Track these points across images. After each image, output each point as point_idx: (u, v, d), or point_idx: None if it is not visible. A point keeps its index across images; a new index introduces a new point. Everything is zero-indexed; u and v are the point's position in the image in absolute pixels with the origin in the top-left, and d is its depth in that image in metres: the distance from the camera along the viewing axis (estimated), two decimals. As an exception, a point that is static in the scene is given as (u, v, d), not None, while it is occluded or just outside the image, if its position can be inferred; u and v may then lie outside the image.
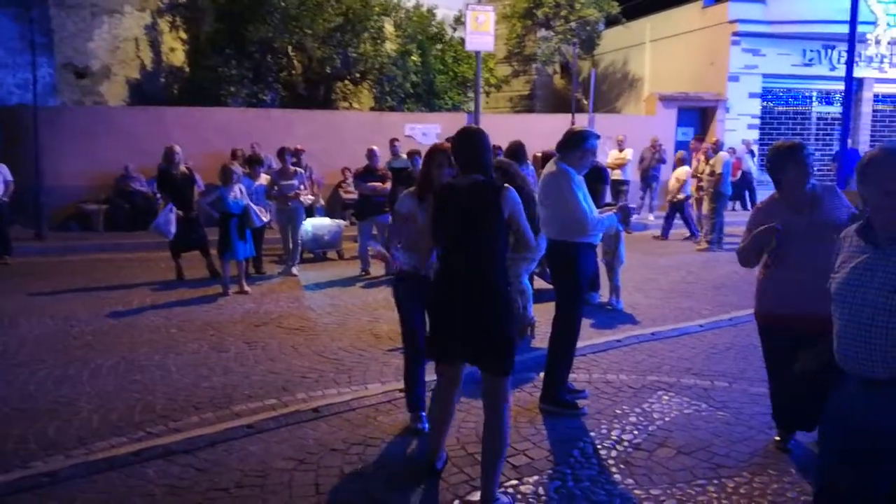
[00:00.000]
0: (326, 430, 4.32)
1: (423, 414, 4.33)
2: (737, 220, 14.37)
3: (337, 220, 11.23)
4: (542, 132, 13.86)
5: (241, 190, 8.37)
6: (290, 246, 9.58)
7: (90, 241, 12.13)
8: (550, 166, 4.56)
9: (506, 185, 3.50)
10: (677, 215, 12.59)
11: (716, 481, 3.65)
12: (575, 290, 4.47)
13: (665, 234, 12.76)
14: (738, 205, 16.30)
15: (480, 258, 3.37)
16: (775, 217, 3.71)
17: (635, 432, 4.25)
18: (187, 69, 17.40)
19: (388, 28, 16.75)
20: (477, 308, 3.34)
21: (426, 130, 15.41)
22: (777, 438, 4.06)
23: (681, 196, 12.31)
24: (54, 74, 14.73)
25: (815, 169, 18.45)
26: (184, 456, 3.97)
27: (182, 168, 9.16)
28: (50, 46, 14.46)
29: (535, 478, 3.71)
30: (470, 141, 3.54)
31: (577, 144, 4.50)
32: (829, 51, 17.80)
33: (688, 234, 12.58)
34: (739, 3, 17.15)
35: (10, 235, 10.66)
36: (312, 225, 10.50)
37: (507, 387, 3.41)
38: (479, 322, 3.34)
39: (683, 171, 12.36)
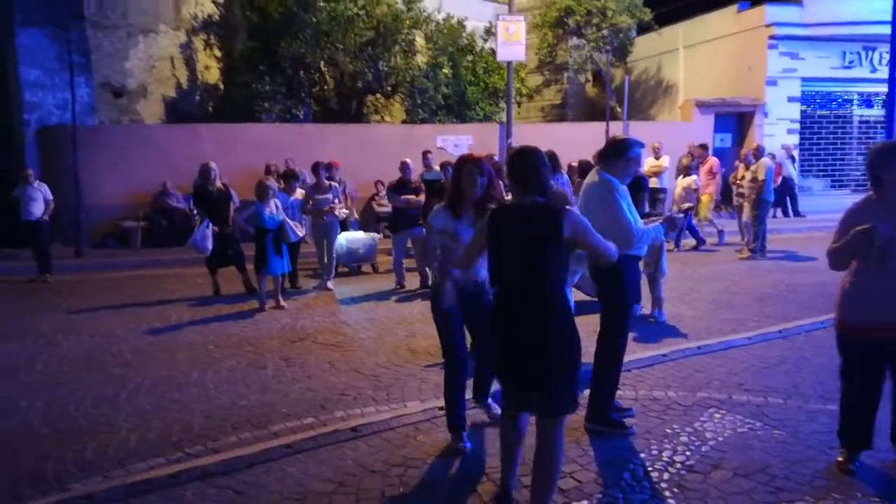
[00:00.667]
0: (366, 451, 4.21)
1: (465, 434, 4.20)
2: (778, 227, 14.06)
3: (371, 234, 11.18)
4: (574, 141, 13.73)
5: (276, 205, 8.35)
6: (325, 260, 9.55)
7: (128, 259, 12.27)
8: (592, 176, 4.42)
9: (566, 206, 3.37)
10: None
11: (777, 506, 3.46)
12: (622, 304, 4.30)
13: (677, 245, 12.46)
14: (779, 212, 15.91)
15: (545, 284, 3.22)
16: (872, 219, 3.50)
17: (688, 453, 4.06)
18: (221, 86, 17.59)
19: (419, 41, 16.75)
20: (541, 338, 3.20)
21: (458, 142, 15.35)
22: (840, 459, 3.85)
23: (686, 205, 11.97)
24: (92, 94, 14.96)
25: (860, 173, 18.14)
26: (222, 478, 3.89)
27: (218, 184, 9.20)
28: (87, 66, 14.69)
29: (585, 502, 3.55)
30: (527, 160, 3.37)
31: (620, 153, 4.34)
32: (870, 52, 17.36)
33: (695, 242, 12.32)
34: (776, 5, 16.84)
35: (50, 253, 10.82)
36: (347, 239, 10.46)
37: (563, 426, 3.28)
38: (543, 354, 3.20)
39: (690, 180, 12.06)
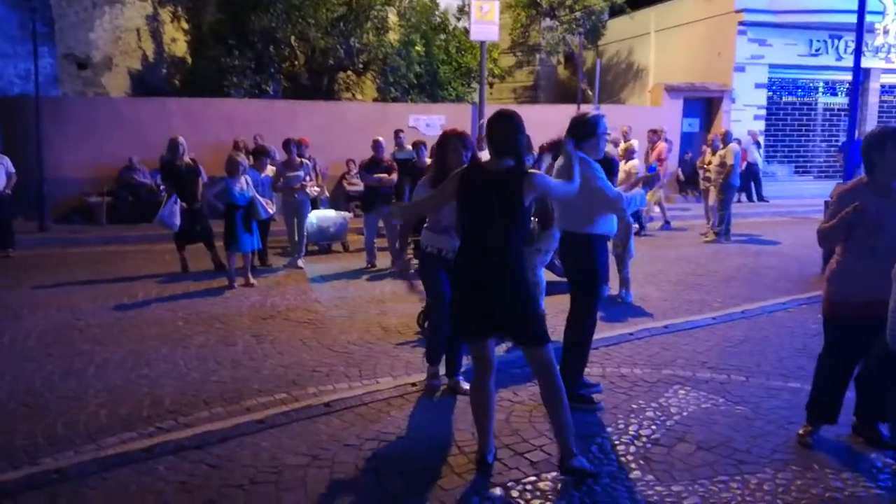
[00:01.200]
0: (339, 426, 4.25)
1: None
2: (742, 211, 14.34)
3: (342, 213, 11.14)
4: (546, 123, 13.73)
5: (247, 181, 8.28)
6: (296, 238, 9.50)
7: (93, 234, 12.04)
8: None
9: (532, 170, 3.47)
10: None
11: (738, 477, 3.58)
12: (592, 284, 4.38)
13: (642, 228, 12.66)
14: (743, 196, 16.19)
15: (502, 240, 3.43)
16: (863, 201, 3.59)
17: (653, 427, 4.18)
18: (189, 60, 17.28)
19: (392, 18, 16.61)
20: (500, 286, 3.41)
21: (430, 121, 15.31)
22: (801, 433, 4.00)
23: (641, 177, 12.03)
24: (56, 65, 14.61)
25: (822, 160, 18.52)
26: (195, 452, 3.90)
27: (186, 159, 9.06)
28: (51, 36, 14.33)
29: (554, 474, 3.64)
30: (507, 123, 3.52)
31: (592, 131, 4.40)
32: (836, 41, 17.66)
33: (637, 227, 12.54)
34: (746, -8, 17.01)
35: (13, 228, 10.58)
36: (317, 217, 10.41)
37: (551, 354, 3.52)
38: (504, 298, 3.41)
39: (633, 164, 12.17)
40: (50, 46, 14.29)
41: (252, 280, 8.29)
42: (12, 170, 10.37)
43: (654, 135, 13.62)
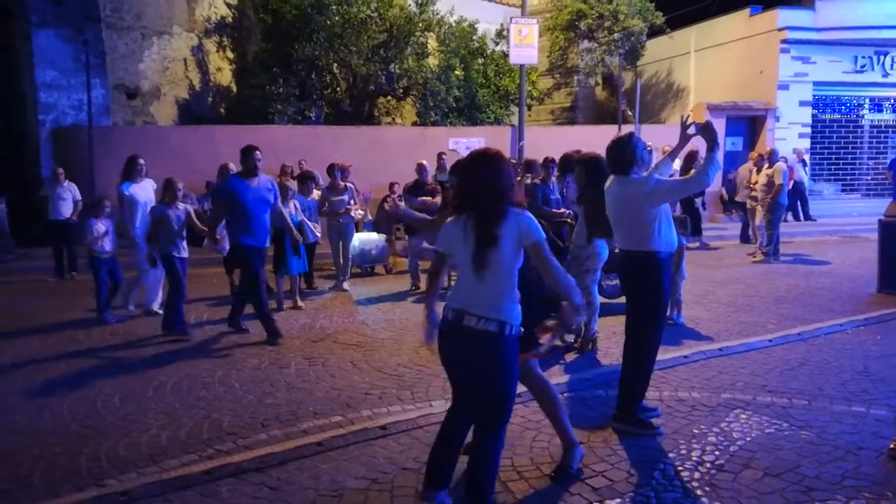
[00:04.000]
0: (396, 449, 4.24)
1: None
2: (790, 231, 14.06)
3: (383, 235, 11.22)
4: (585, 144, 13.67)
5: (295, 206, 8.40)
6: (341, 261, 9.58)
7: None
8: (619, 187, 4.41)
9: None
10: None
11: (810, 505, 3.48)
12: (657, 304, 4.31)
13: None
14: (790, 216, 15.91)
15: None
16: None
17: (716, 453, 4.08)
18: (234, 88, 17.69)
19: (431, 43, 16.82)
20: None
21: (470, 144, 15.36)
22: (892, 446, 3.96)
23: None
24: (107, 95, 15.05)
25: (870, 178, 18.12)
26: (256, 475, 3.93)
27: (235, 185, 9.22)
28: (102, 68, 14.79)
29: (617, 500, 3.57)
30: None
31: (631, 159, 4.35)
32: (882, 57, 17.39)
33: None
34: (788, 10, 16.87)
35: (76, 253, 10.87)
36: (360, 240, 10.51)
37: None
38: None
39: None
40: (101, 77, 14.74)
41: (300, 303, 8.37)
42: (79, 197, 10.74)
43: (769, 155, 13.36)
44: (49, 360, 6.35)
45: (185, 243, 7.37)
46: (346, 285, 9.51)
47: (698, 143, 4.98)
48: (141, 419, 4.88)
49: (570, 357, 6.13)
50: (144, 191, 8.26)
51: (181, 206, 7.36)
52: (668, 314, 7.29)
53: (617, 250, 4.74)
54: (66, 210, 10.57)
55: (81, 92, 13.79)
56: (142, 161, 8.31)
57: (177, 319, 7.09)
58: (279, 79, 15.06)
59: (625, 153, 4.35)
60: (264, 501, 3.64)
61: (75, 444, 4.47)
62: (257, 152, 7.02)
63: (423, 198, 9.45)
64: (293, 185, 8.76)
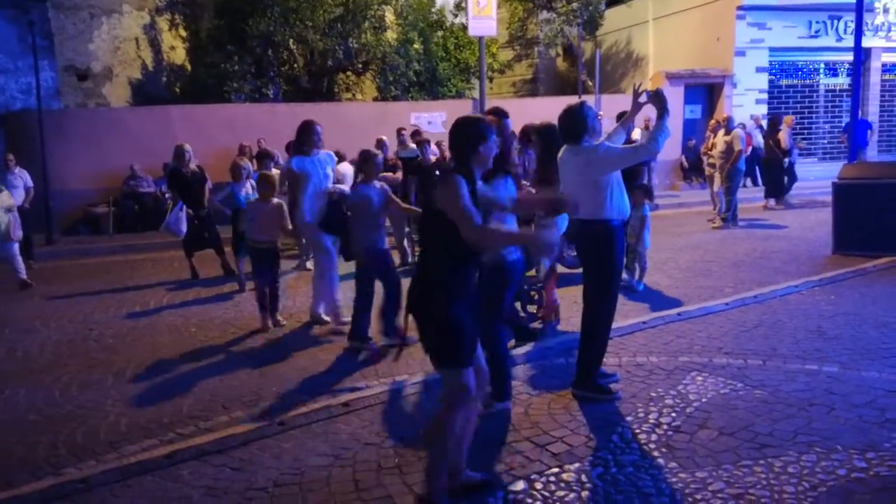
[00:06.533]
0: (359, 425, 4.25)
1: None
2: (748, 196, 14.28)
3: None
4: (547, 115, 13.74)
5: (252, 185, 8.28)
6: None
7: (100, 244, 12.09)
8: (571, 155, 4.43)
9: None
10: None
11: (762, 461, 3.57)
12: (611, 271, 4.35)
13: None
14: (748, 181, 16.15)
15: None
16: None
17: (673, 415, 4.17)
18: (188, 67, 17.31)
19: (389, 16, 16.62)
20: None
21: (432, 119, 15.30)
22: None
23: None
24: (56, 78, 14.63)
25: (826, 142, 18.41)
26: (217, 456, 3.91)
27: (192, 166, 9.07)
28: (50, 49, 14.35)
29: (577, 465, 3.63)
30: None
31: (583, 127, 4.37)
32: (836, 21, 17.60)
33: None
34: (744, -24, 16.96)
35: (32, 241, 10.60)
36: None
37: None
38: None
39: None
40: (50, 59, 14.31)
41: (262, 284, 8.27)
42: (31, 184, 10.46)
43: (725, 121, 13.39)
44: (2, 351, 6.22)
45: None
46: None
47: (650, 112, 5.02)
48: (100, 406, 4.82)
49: (535, 325, 6.18)
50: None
51: None
52: (630, 281, 7.44)
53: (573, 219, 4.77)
54: (19, 198, 10.27)
55: (29, 75, 13.36)
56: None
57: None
58: (234, 56, 14.78)
59: (576, 122, 4.37)
60: (226, 482, 3.63)
61: (32, 434, 4.40)
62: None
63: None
64: (248, 164, 8.61)
